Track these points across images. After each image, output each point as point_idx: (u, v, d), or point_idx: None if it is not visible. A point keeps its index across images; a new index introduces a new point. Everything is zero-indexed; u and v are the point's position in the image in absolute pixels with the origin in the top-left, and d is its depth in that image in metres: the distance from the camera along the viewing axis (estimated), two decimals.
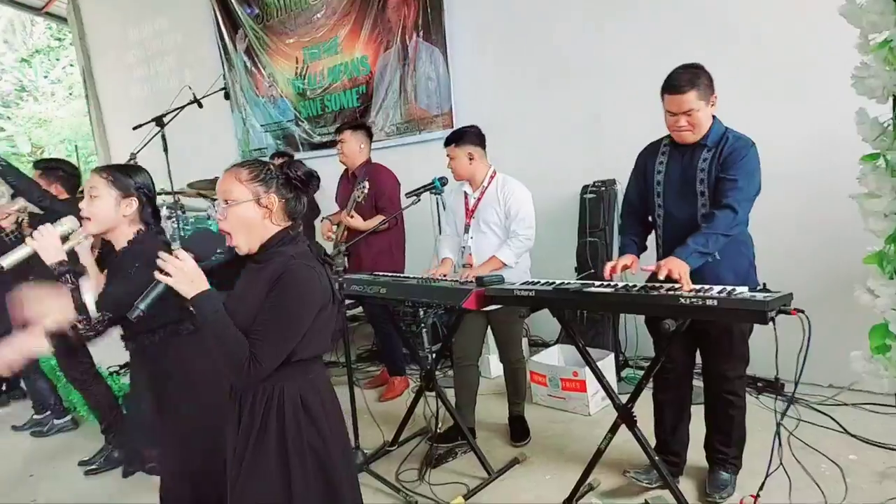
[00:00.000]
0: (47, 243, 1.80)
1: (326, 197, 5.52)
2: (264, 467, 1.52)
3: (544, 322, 4.11)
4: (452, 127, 4.85)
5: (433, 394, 2.92)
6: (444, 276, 2.96)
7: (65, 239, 1.89)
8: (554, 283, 2.28)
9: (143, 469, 2.59)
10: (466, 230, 3.07)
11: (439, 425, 2.95)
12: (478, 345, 3.12)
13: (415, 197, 3.11)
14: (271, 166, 1.60)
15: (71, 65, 26.09)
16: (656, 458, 2.23)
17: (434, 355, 3.09)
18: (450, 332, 2.97)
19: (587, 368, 3.30)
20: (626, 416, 2.21)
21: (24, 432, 4.11)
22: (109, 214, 1.91)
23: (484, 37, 4.72)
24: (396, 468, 2.96)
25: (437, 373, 3.01)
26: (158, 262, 1.46)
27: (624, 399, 2.28)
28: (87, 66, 9.47)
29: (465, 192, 3.10)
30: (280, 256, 1.51)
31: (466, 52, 4.80)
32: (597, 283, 2.20)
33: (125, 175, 1.96)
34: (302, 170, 1.60)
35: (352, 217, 3.67)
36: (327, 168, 5.45)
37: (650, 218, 2.42)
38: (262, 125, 6.65)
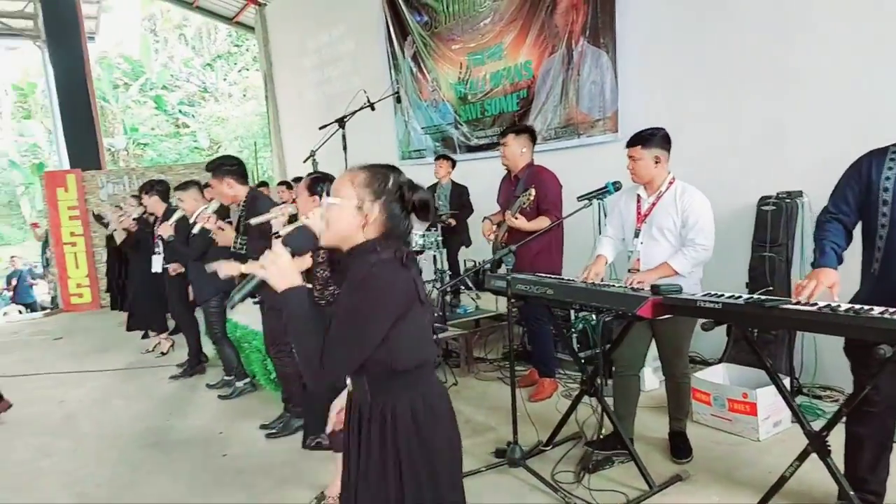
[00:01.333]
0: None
1: (478, 195, 5.71)
2: (377, 487, 1.52)
3: (702, 338, 3.92)
4: (616, 131, 4.78)
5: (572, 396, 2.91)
6: (597, 274, 2.94)
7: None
8: (740, 296, 2.18)
9: (322, 446, 2.84)
10: (637, 234, 3.01)
11: (600, 432, 2.94)
12: (641, 355, 3.06)
13: (586, 200, 3.11)
14: (391, 180, 1.55)
15: (245, 69, 28.94)
16: (852, 493, 2.06)
17: (588, 361, 3.07)
18: (616, 340, 2.94)
19: (758, 391, 3.14)
20: (819, 444, 2.07)
21: (215, 391, 4.66)
22: (307, 206, 2.43)
23: (654, 40, 4.60)
24: (551, 468, 2.99)
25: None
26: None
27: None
28: (268, 71, 10.45)
29: (639, 196, 3.04)
30: (363, 262, 1.47)
31: (635, 56, 4.71)
32: (792, 300, 2.07)
33: (315, 183, 2.50)
34: (419, 196, 1.55)
35: (516, 218, 3.74)
36: (484, 169, 5.64)
37: (863, 230, 2.21)
38: (422, 128, 6.97)
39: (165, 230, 4.42)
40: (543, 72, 5.35)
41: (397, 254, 1.46)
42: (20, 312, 10.41)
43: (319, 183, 3.01)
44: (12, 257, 12.75)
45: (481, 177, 5.54)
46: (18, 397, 5.01)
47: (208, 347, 5.13)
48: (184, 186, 4.56)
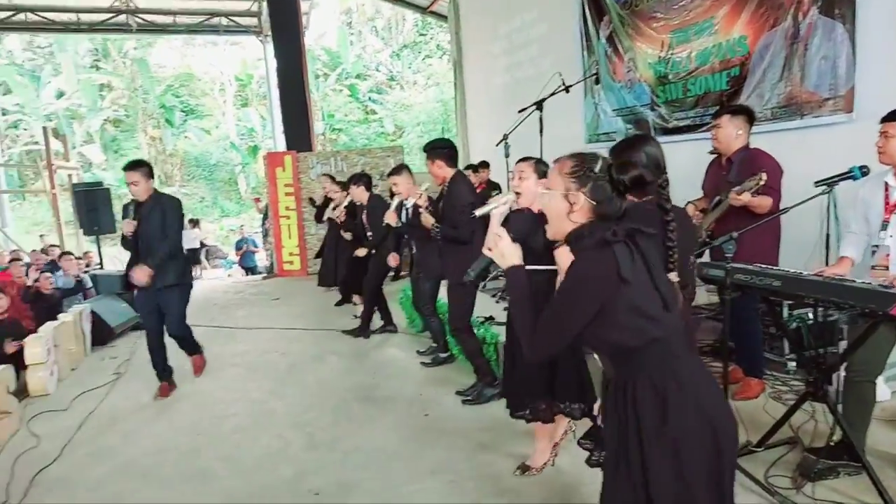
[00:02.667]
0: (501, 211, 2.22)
1: (674, 180, 5.43)
2: (624, 464, 1.54)
3: None
4: (850, 111, 4.29)
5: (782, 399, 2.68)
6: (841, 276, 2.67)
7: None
8: None
9: (527, 417, 2.95)
10: (884, 227, 2.70)
11: (831, 439, 2.71)
12: (882, 360, 2.74)
13: (824, 186, 2.84)
14: (598, 165, 1.59)
15: (429, 56, 30.20)
16: None
17: (808, 363, 2.82)
18: (857, 341, 2.66)
19: None
20: None
21: (419, 357, 5.03)
22: (532, 191, 2.67)
23: None
24: (764, 471, 2.82)
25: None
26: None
27: None
28: (458, 58, 10.82)
29: (887, 183, 2.71)
30: (575, 249, 1.55)
31: (880, 26, 4.14)
32: None
33: (543, 163, 2.78)
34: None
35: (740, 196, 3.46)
36: (681, 153, 5.34)
37: None
38: (614, 110, 6.78)
39: (391, 217, 4.77)
40: (761, 47, 4.92)
41: (610, 235, 1.48)
42: (242, 275, 12.06)
43: (547, 164, 3.08)
44: (241, 226, 14.77)
45: (679, 160, 5.26)
46: (251, 346, 5.84)
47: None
48: (397, 171, 4.79)
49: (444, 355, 4.85)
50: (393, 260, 5.50)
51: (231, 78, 28.47)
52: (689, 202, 4.11)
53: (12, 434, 4.03)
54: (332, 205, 6.60)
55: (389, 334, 5.85)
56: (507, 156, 5.62)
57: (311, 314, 6.91)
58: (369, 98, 29.58)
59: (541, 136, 5.07)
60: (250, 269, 12.16)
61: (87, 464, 3.56)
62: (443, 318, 4.76)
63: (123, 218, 4.33)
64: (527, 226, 1.92)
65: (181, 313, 4.50)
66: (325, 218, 6.78)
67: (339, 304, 7.05)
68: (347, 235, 6.17)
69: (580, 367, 2.85)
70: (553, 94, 5.30)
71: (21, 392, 4.63)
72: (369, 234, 5.66)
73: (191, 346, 4.84)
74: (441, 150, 4.01)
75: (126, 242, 4.32)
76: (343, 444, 3.59)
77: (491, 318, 4.93)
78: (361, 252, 5.71)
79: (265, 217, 10.70)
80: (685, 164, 4.33)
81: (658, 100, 6.12)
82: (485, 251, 1.73)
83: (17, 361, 4.77)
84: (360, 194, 5.63)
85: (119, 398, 4.66)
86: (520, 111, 5.33)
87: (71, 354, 5.45)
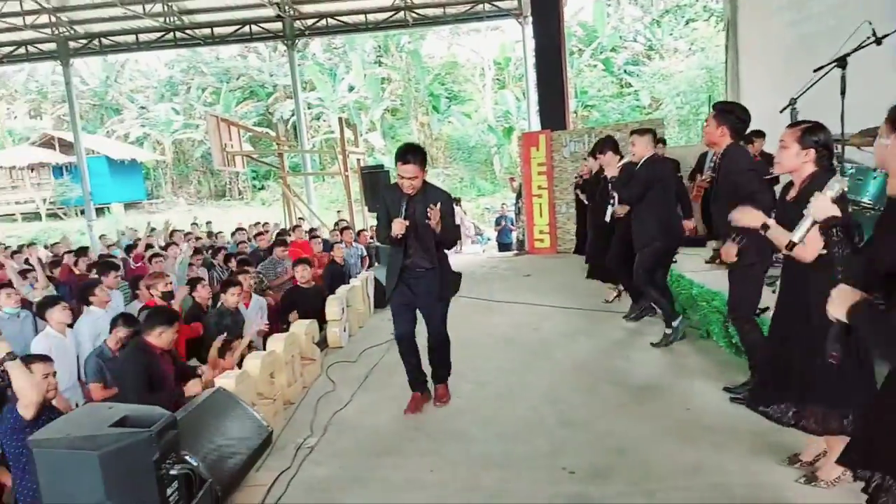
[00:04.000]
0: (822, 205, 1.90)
1: None
2: None
3: None
4: None
5: None
6: None
7: (835, 201, 1.91)
8: None
9: (797, 425, 2.57)
10: None
11: None
12: None
13: None
14: None
15: (692, 19, 27.75)
16: None
17: None
18: None
19: None
20: None
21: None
22: (793, 160, 2.64)
23: None
24: None
25: None
26: None
27: None
28: (731, 16, 9.74)
29: None
30: None
31: None
32: None
33: (809, 133, 2.62)
34: None
35: None
36: None
37: None
38: None
39: (609, 172, 4.62)
40: None
41: None
42: (496, 251, 12.68)
43: (816, 133, 2.62)
44: (503, 204, 15.53)
45: None
46: (505, 319, 6.10)
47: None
48: (641, 132, 4.77)
49: (676, 323, 4.64)
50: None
51: (490, 62, 29.78)
52: None
53: (315, 378, 4.83)
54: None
55: (650, 319, 5.55)
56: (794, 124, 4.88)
57: (560, 292, 6.95)
58: (624, 71, 28.40)
59: (842, 97, 4.28)
60: (505, 246, 12.70)
61: (371, 410, 4.10)
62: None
63: (390, 212, 3.66)
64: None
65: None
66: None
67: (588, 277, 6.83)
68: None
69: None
70: (860, 47, 4.42)
71: (322, 343, 5.51)
72: (612, 201, 5.39)
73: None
74: (733, 116, 3.62)
75: (391, 240, 3.67)
76: (596, 426, 3.55)
77: (766, 309, 4.38)
78: (621, 211, 5.30)
79: (519, 196, 11.03)
80: None
81: None
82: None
83: (321, 319, 5.67)
84: (609, 160, 5.17)
85: (396, 355, 5.26)
86: (815, 70, 4.55)
87: (359, 314, 6.33)
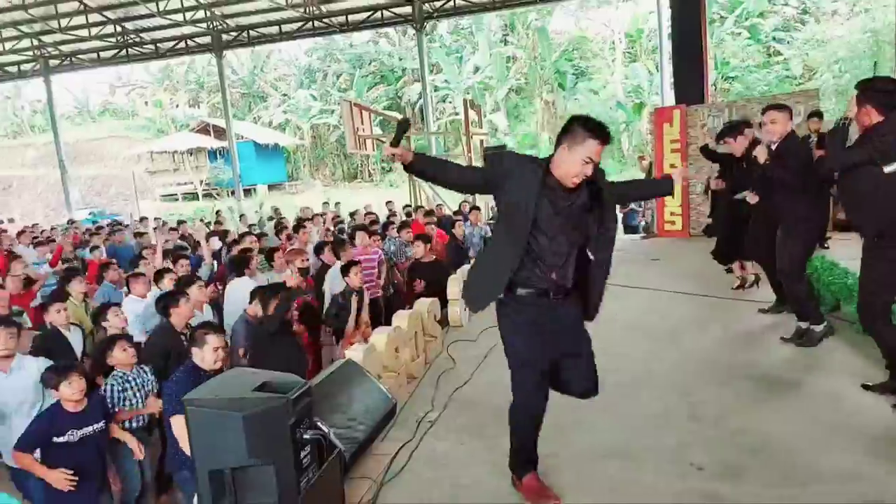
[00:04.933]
0: None
1: None
2: None
3: None
4: None
5: None
6: None
7: None
8: None
9: None
10: None
11: None
12: None
13: None
14: None
15: None
16: None
17: None
18: None
19: None
20: None
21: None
22: None
23: None
24: None
25: None
26: None
27: None
28: None
29: None
30: None
31: None
32: None
33: None
34: None
35: None
36: None
37: None
38: None
39: (761, 154, 4.17)
40: None
41: None
42: (621, 233, 12.21)
43: None
44: None
45: None
46: (630, 305, 5.87)
47: None
48: (780, 107, 4.32)
49: (819, 328, 4.18)
50: None
51: (621, 35, 28.48)
52: None
53: (437, 355, 4.96)
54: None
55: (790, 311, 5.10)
56: None
57: (691, 278, 6.56)
58: (773, 38, 25.92)
59: None
60: (631, 228, 12.19)
61: (489, 390, 4.13)
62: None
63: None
64: None
65: None
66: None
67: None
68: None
69: None
70: None
71: (443, 321, 5.64)
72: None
73: None
74: (874, 91, 3.20)
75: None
76: (729, 422, 3.33)
77: None
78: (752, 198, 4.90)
79: (648, 175, 10.49)
80: None
81: None
82: None
83: (443, 297, 5.80)
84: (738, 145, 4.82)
85: None
86: None
87: None
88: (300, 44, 32.88)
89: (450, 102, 30.25)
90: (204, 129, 32.26)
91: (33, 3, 15.76)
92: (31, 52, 18.54)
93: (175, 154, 32.06)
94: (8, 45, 17.88)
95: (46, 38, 17.89)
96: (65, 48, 18.53)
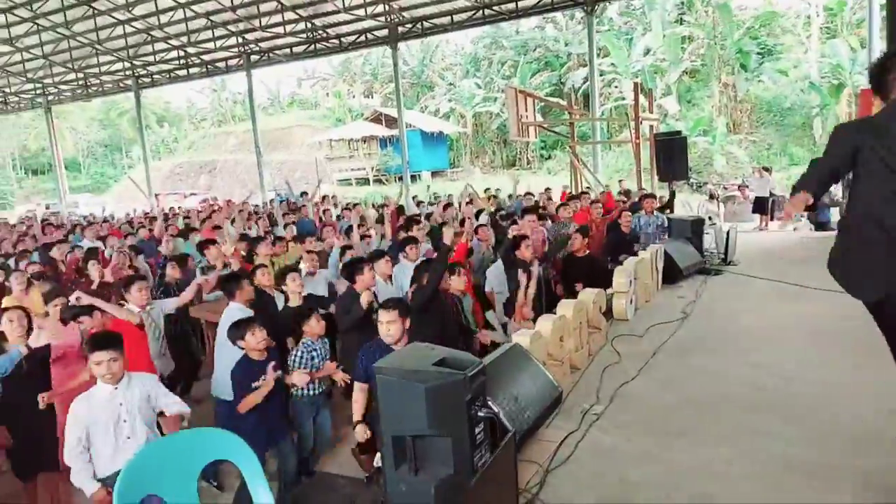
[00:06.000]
0: None
1: None
2: None
3: None
4: None
5: None
6: None
7: None
8: None
9: None
10: None
11: None
12: None
13: None
14: None
15: None
16: None
17: None
18: None
19: None
20: None
21: None
22: None
23: None
24: None
25: None
26: None
27: None
28: None
29: None
30: None
31: None
32: None
33: None
34: None
35: None
36: None
37: None
38: None
39: None
40: None
41: None
42: (810, 230, 10.96)
43: None
44: None
45: None
46: (822, 310, 5.29)
47: None
48: None
49: None
50: None
51: (819, 8, 25.35)
52: None
53: (600, 347, 4.88)
54: None
55: None
56: None
57: None
58: None
59: None
60: (822, 225, 10.91)
61: (657, 389, 4.00)
62: None
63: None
64: None
65: None
66: None
67: None
68: None
69: None
70: None
71: (607, 314, 5.52)
72: None
73: None
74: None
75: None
76: None
77: None
78: None
79: None
80: None
81: None
82: None
83: (595, 286, 5.66)
84: None
85: (686, 336, 5.02)
86: None
87: (646, 288, 6.16)
88: (467, 33, 33.56)
89: (616, 87, 29.06)
90: (376, 119, 34.32)
91: (240, 5, 17.76)
92: (236, 49, 20.93)
93: (350, 141, 34.55)
94: (219, 44, 20.36)
95: (249, 36, 20.09)
96: (263, 45, 20.69)
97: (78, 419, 2.65)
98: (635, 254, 6.48)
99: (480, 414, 2.55)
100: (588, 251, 6.36)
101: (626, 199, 9.88)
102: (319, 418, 3.71)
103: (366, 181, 32.62)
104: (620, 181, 16.05)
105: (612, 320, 5.49)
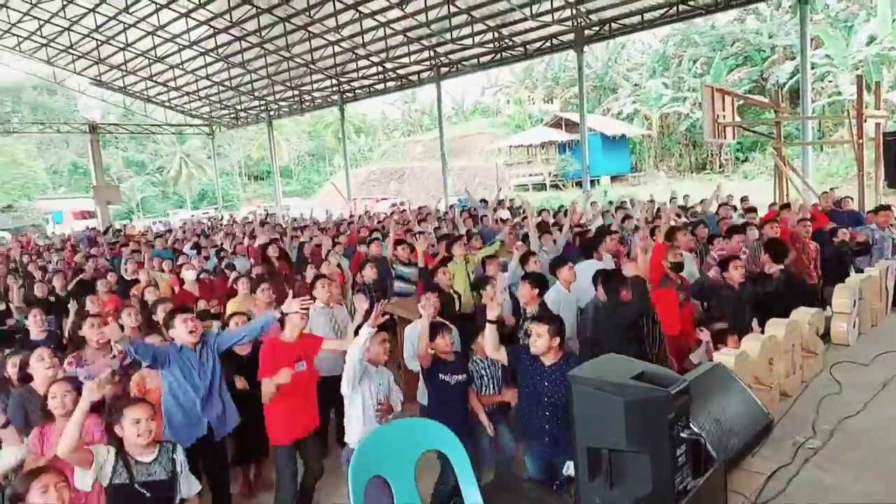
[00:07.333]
0: None
1: None
2: None
3: None
4: None
5: None
6: None
7: None
8: None
9: None
10: None
11: None
12: None
13: None
14: None
15: None
16: None
17: None
18: None
19: None
20: None
21: None
22: None
23: None
24: None
25: None
26: None
27: None
28: None
29: None
30: None
31: None
32: None
33: None
34: None
35: None
36: None
37: None
38: None
39: None
40: None
41: None
42: None
43: None
44: None
45: None
46: None
47: None
48: None
49: None
50: None
51: None
52: None
53: (815, 374, 4.35)
54: None
55: None
56: None
57: None
58: None
59: None
60: None
61: (889, 426, 3.47)
62: None
63: None
64: None
65: None
66: None
67: None
68: None
69: None
70: None
71: (824, 337, 4.91)
72: None
73: None
74: None
75: None
76: None
77: None
78: None
79: None
80: None
81: None
82: None
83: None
84: None
85: None
86: None
87: (873, 310, 5.36)
88: (656, 32, 31.98)
89: (829, 81, 25.70)
90: (556, 124, 34.13)
91: (434, 20, 18.78)
92: (427, 63, 22.18)
93: (529, 147, 34.76)
94: (413, 58, 21.75)
95: (440, 49, 21.17)
96: (453, 56, 21.66)
97: None
98: (861, 270, 5.69)
99: (683, 435, 2.42)
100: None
101: (839, 209, 8.74)
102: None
103: (542, 186, 32.59)
104: (832, 189, 14.01)
105: (829, 345, 4.87)
